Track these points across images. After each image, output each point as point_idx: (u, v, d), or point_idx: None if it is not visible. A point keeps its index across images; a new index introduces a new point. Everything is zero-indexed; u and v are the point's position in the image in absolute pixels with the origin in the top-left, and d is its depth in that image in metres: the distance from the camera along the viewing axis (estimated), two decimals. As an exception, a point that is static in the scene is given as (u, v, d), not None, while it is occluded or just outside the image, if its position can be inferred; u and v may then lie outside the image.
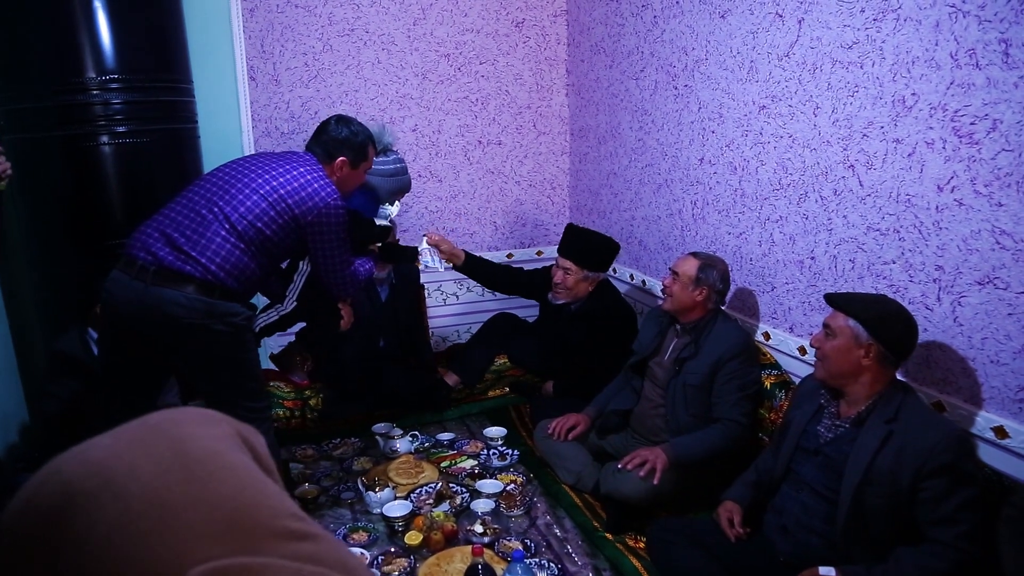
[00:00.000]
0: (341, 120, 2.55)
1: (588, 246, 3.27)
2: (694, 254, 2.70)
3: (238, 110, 3.73)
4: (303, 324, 2.93)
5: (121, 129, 2.90)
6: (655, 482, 2.48)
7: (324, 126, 2.55)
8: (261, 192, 2.29)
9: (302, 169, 2.38)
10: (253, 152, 3.80)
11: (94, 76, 2.81)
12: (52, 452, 0.51)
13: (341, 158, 2.49)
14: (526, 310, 4.03)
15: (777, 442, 2.25)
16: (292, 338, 3.03)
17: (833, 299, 2.00)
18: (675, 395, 2.67)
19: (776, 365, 2.71)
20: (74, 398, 2.71)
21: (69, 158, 2.86)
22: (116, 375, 2.39)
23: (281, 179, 2.33)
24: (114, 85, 2.86)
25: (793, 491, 2.05)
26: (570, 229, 3.35)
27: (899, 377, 2.05)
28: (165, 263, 2.18)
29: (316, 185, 2.36)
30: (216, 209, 2.24)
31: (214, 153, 3.66)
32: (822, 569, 1.82)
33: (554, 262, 3.38)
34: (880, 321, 1.91)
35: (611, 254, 3.31)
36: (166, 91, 3.15)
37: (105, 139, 2.88)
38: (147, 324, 2.21)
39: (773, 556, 2.05)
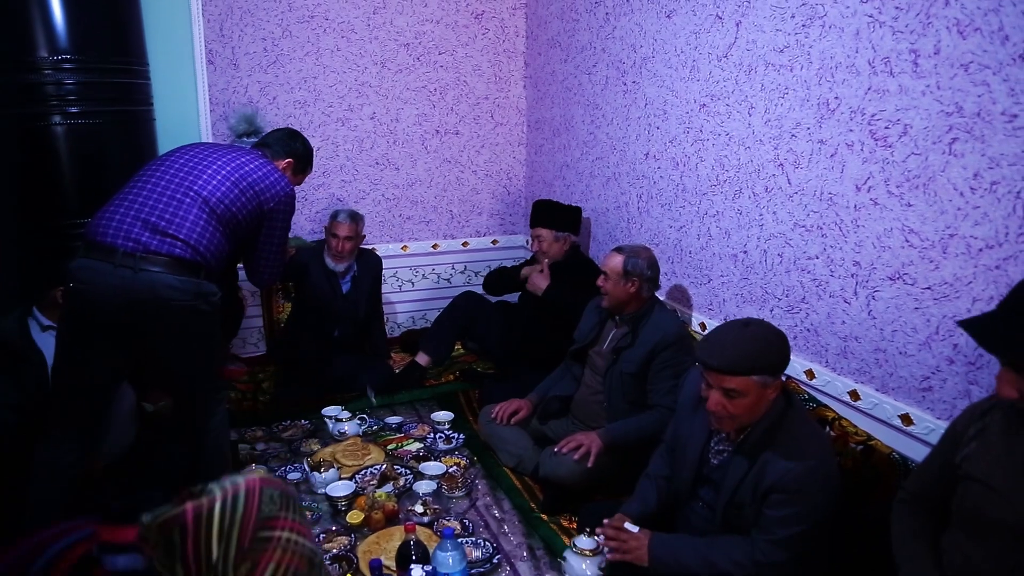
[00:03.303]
0: (294, 133, 2.76)
1: (553, 210, 3.58)
2: (618, 249, 2.79)
3: (195, 94, 3.74)
4: None
5: (74, 110, 2.91)
6: (589, 465, 2.57)
7: (274, 133, 2.74)
8: (232, 178, 2.37)
9: (261, 160, 2.49)
10: (211, 137, 3.82)
11: (46, 56, 2.82)
12: None
13: (289, 160, 2.68)
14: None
15: (667, 451, 2.27)
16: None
17: (718, 368, 1.83)
18: (612, 383, 2.77)
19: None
20: None
21: (20, 138, 2.87)
22: (72, 375, 2.29)
23: (248, 167, 2.42)
24: (67, 65, 2.86)
25: (696, 504, 2.10)
26: (536, 204, 3.64)
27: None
28: (151, 247, 2.19)
29: (276, 175, 2.49)
30: (192, 192, 2.29)
31: (169, 136, 3.67)
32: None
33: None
34: (775, 356, 1.83)
35: (576, 215, 3.59)
36: (121, 73, 3.15)
37: (57, 119, 2.88)
38: (133, 311, 2.19)
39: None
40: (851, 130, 2.16)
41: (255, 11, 3.78)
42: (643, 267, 2.70)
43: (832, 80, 2.21)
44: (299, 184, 2.80)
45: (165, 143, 3.64)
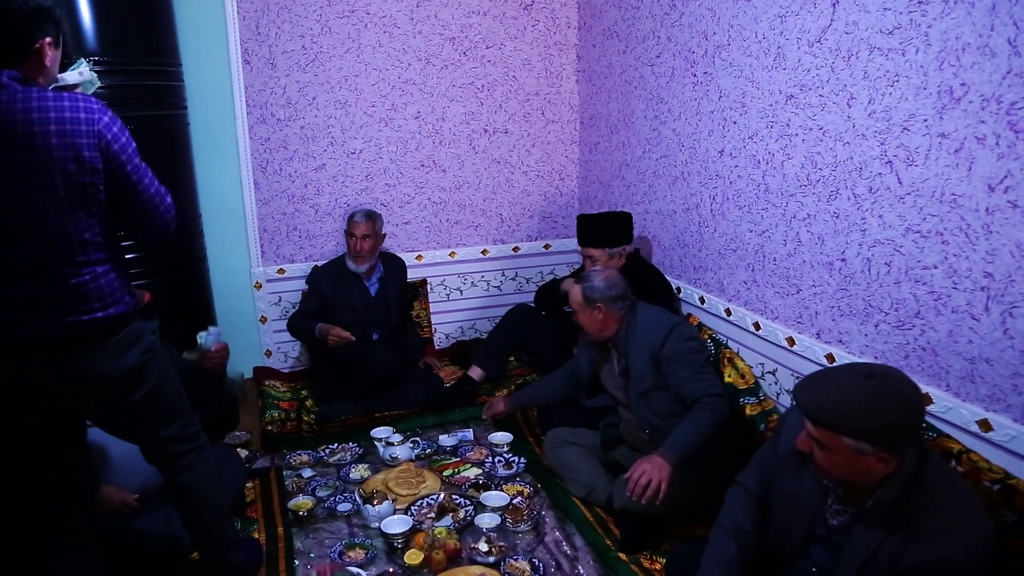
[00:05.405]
0: None
1: (601, 227, 3.27)
2: (575, 279, 2.69)
3: (231, 95, 3.55)
4: None
5: (104, 115, 2.72)
6: (658, 503, 2.29)
7: None
8: (57, 211, 1.66)
9: (25, 119, 1.58)
10: (248, 141, 3.62)
11: (75, 58, 2.63)
12: None
13: (46, 39, 1.66)
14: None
15: (752, 503, 1.92)
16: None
17: (802, 408, 1.55)
18: (637, 406, 2.59)
19: (801, 373, 2.54)
20: None
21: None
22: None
23: (41, 146, 1.60)
24: (97, 68, 2.67)
25: (806, 564, 1.80)
26: (580, 219, 3.34)
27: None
28: (71, 333, 1.73)
29: (65, 123, 1.62)
30: (52, 253, 1.68)
31: (205, 141, 3.50)
32: None
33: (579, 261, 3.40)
34: (881, 423, 1.47)
35: (627, 223, 3.30)
36: (153, 75, 2.98)
37: (87, 126, 2.69)
38: (75, 398, 1.82)
39: None
40: (983, 121, 1.87)
41: (292, 7, 3.57)
42: (602, 289, 2.56)
43: (958, 64, 1.92)
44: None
45: (200, 148, 3.46)
